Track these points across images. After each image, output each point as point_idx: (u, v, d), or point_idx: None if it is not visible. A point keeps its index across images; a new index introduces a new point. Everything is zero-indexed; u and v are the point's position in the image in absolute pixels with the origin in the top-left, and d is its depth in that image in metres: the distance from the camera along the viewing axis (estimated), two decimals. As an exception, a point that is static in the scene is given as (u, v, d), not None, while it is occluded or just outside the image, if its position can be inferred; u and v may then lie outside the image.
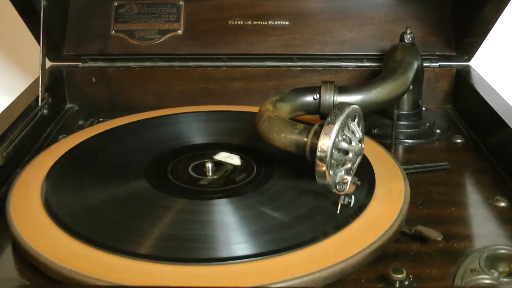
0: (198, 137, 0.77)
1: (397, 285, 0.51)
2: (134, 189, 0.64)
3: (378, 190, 0.62)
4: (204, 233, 0.56)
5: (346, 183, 0.57)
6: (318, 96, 0.69)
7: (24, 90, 0.83)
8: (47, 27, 0.81)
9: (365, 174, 0.64)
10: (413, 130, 0.82)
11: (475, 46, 0.90)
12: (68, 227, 0.56)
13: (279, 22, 0.92)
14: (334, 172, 0.57)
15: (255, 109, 0.69)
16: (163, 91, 0.92)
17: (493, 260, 0.54)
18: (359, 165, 0.61)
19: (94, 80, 0.92)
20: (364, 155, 0.62)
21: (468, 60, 0.92)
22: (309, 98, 0.69)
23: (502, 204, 0.64)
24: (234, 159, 0.69)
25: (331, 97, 0.69)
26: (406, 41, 0.83)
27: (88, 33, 0.92)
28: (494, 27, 0.85)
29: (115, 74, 0.92)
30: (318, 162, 0.56)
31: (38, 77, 0.79)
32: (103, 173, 0.67)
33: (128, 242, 0.54)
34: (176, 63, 0.92)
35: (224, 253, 0.53)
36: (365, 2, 0.92)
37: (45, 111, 0.79)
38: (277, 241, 0.54)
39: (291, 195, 0.62)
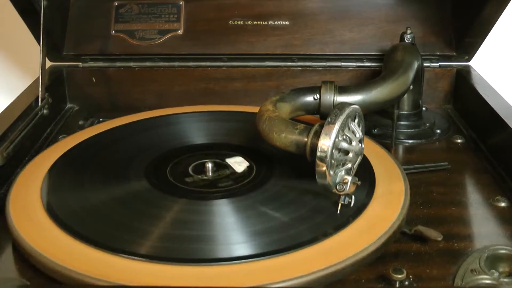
0: (198, 137, 0.77)
1: (397, 285, 0.51)
2: (134, 189, 0.64)
3: (378, 190, 0.62)
4: (204, 233, 0.56)
5: (346, 183, 0.57)
6: (318, 96, 0.69)
7: (24, 90, 0.83)
8: (47, 27, 0.81)
9: (365, 174, 0.64)
10: (413, 130, 0.82)
11: (475, 46, 0.90)
12: (68, 227, 0.56)
13: (279, 22, 0.92)
14: (334, 172, 0.57)
15: (255, 109, 0.69)
16: (163, 91, 0.92)
17: (493, 260, 0.54)
18: (359, 165, 0.61)
19: (94, 80, 0.92)
20: (364, 155, 0.62)
21: (468, 60, 0.92)
22: (309, 98, 0.69)
23: (502, 204, 0.64)
24: (241, 166, 0.68)
25: (331, 97, 0.69)
26: (406, 41, 0.83)
27: (88, 33, 0.92)
28: (494, 27, 0.85)
29: (115, 74, 0.92)
30: (318, 162, 0.56)
31: (38, 77, 0.79)
32: (103, 173, 0.67)
33: (128, 242, 0.54)
34: (176, 63, 0.92)
35: (224, 253, 0.53)
36: (366, 2, 0.92)
37: (45, 111, 0.79)
38: (277, 241, 0.54)
39: (291, 195, 0.62)
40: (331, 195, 0.59)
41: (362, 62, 0.92)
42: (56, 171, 0.67)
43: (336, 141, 0.56)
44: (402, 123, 0.82)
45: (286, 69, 0.91)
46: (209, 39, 0.92)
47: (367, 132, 0.77)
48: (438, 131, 0.82)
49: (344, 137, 0.58)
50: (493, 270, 0.53)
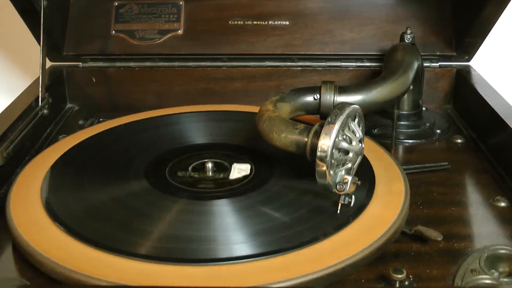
0: (198, 137, 0.77)
1: (397, 285, 0.51)
2: (134, 189, 0.64)
3: (378, 190, 0.62)
4: (204, 233, 0.56)
5: (347, 183, 0.57)
6: (318, 96, 0.69)
7: (24, 90, 0.83)
8: (47, 27, 0.81)
9: (365, 174, 0.64)
10: (413, 130, 0.82)
11: (475, 46, 0.90)
12: (68, 227, 0.56)
13: (279, 22, 0.92)
14: (334, 172, 0.57)
15: (255, 109, 0.69)
16: (163, 91, 0.92)
17: (493, 260, 0.54)
18: (359, 165, 0.61)
19: (94, 80, 0.92)
20: (364, 155, 0.62)
21: (468, 60, 0.92)
22: (310, 98, 0.69)
23: (502, 204, 0.64)
24: (239, 174, 0.67)
25: (331, 97, 0.69)
26: (406, 41, 0.83)
27: (88, 33, 0.92)
28: (494, 27, 0.85)
29: (115, 74, 0.92)
30: (318, 162, 0.56)
31: (38, 77, 0.79)
32: (103, 173, 0.67)
33: (128, 242, 0.54)
34: (176, 63, 0.92)
35: (224, 253, 0.53)
36: (366, 2, 0.92)
37: (45, 111, 0.79)
38: (277, 241, 0.54)
39: (291, 195, 0.62)
40: (331, 195, 0.59)
41: (362, 62, 0.92)
42: (56, 171, 0.67)
43: (336, 141, 0.56)
44: (402, 123, 0.82)
45: (286, 69, 0.91)
46: (209, 39, 0.92)
47: (367, 132, 0.77)
48: (438, 131, 0.82)
49: (344, 137, 0.58)
50: (493, 270, 0.53)
